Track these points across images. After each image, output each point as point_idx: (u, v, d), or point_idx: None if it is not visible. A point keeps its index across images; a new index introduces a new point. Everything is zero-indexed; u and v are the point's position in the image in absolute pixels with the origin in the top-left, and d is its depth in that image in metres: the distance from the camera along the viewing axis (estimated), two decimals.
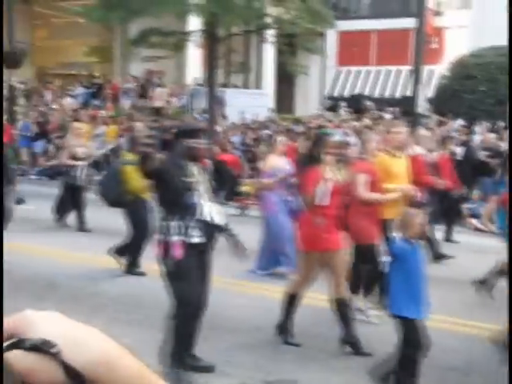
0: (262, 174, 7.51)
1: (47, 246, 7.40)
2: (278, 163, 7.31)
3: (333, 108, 22.01)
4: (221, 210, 4.45)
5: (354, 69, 24.90)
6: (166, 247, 4.22)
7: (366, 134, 6.49)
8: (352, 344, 4.90)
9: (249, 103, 18.95)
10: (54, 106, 19.97)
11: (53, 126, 17.49)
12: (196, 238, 4.23)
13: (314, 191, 4.85)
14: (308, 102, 24.72)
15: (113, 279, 6.73)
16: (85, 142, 10.16)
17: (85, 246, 8.29)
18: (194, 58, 21.19)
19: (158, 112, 18.70)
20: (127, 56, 16.86)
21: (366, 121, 17.83)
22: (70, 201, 9.54)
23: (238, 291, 6.66)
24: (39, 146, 17.45)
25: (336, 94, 24.62)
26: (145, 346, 4.86)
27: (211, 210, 4.27)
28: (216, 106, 17.00)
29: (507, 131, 12.92)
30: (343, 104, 20.96)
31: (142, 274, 7.05)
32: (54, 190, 12.26)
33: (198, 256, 4.26)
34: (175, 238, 4.20)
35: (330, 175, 4.90)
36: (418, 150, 7.81)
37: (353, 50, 24.60)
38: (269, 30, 16.46)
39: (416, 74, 15.22)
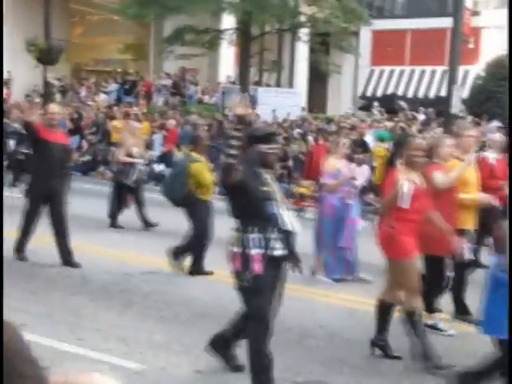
0: (324, 175, 7.36)
1: (80, 241, 7.49)
2: (339, 165, 7.20)
3: (365, 108, 21.85)
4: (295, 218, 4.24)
5: (387, 68, 24.67)
6: (244, 260, 3.96)
7: (439, 139, 6.22)
8: (425, 356, 4.65)
9: (281, 102, 18.92)
10: (88, 103, 20.22)
11: (86, 122, 17.70)
12: (278, 250, 3.99)
13: (394, 194, 4.60)
14: (340, 102, 24.58)
15: (144, 276, 6.78)
16: (140, 141, 10.05)
17: (117, 242, 8.38)
18: (227, 57, 21.23)
19: (240, 120, 18.70)
20: (161, 53, 16.96)
21: (398, 120, 17.65)
22: (119, 199, 9.46)
23: None
24: (73, 141, 17.69)
25: (369, 93, 24.43)
26: (175, 344, 4.89)
27: (290, 219, 4.06)
28: (249, 104, 17.02)
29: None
30: (376, 104, 20.79)
31: (207, 273, 6.99)
32: (86, 185, 12.45)
33: (276, 269, 4.04)
34: (255, 252, 3.94)
35: (411, 178, 4.64)
36: (488, 153, 7.60)
37: (387, 50, 24.37)
38: (302, 28, 16.43)
39: (451, 74, 15.00)
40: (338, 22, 14.69)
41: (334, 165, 7.23)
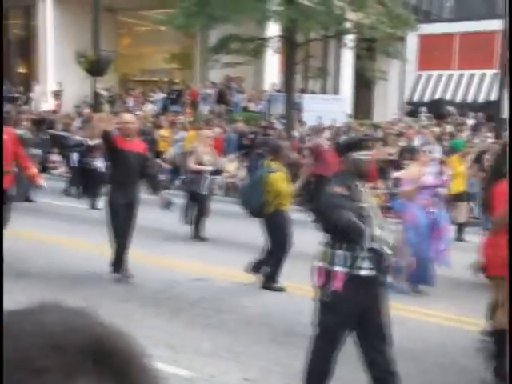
0: (402, 182, 7.25)
1: (132, 249, 7.61)
2: (419, 173, 7.04)
3: (412, 113, 21.57)
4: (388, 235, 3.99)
5: (434, 73, 24.31)
6: (327, 276, 3.84)
7: None
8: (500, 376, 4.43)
9: (326, 108, 18.86)
10: (136, 112, 20.56)
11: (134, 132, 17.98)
12: (365, 270, 3.80)
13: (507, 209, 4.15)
14: (386, 108, 24.34)
15: (192, 283, 6.84)
16: (210, 150, 9.84)
17: (166, 249, 8.47)
18: (272, 64, 21.30)
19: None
20: (206, 62, 17.15)
21: (448, 127, 17.37)
22: (194, 209, 9.32)
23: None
24: None
25: (416, 99, 24.12)
26: (223, 351, 4.91)
27: (384, 238, 3.84)
28: (293, 112, 17.02)
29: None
30: (423, 109, 20.50)
31: (280, 289, 6.78)
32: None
33: (364, 289, 3.84)
34: (339, 269, 3.81)
35: None
36: None
37: (434, 54, 24.03)
38: (348, 35, 16.36)
39: (501, 77, 14.69)
40: (384, 27, 14.56)
41: (412, 173, 7.06)
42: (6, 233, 6.80)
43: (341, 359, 4.07)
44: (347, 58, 23.01)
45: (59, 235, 8.88)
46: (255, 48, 16.49)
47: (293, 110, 16.86)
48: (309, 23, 14.39)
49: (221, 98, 21.50)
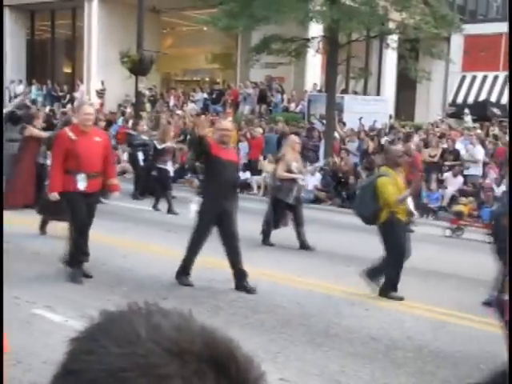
0: None
1: (173, 246, 7.71)
2: None
3: (456, 115, 21.23)
4: None
5: (480, 74, 23.86)
6: (500, 307, 3.62)
7: None
8: None
9: (368, 109, 18.74)
10: (177, 112, 20.80)
11: (175, 131, 18.20)
12: None
13: None
14: (429, 109, 24.02)
15: (230, 283, 6.89)
16: (299, 156, 9.41)
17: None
18: (314, 65, 21.25)
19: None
20: (248, 62, 17.22)
21: (492, 129, 17.05)
22: (276, 218, 9.10)
23: (355, 300, 6.61)
24: None
25: (460, 100, 23.71)
26: (261, 351, 4.95)
27: None
28: (334, 112, 16.96)
29: None
30: (467, 111, 20.16)
31: (400, 299, 6.54)
32: (178, 193, 12.75)
33: None
34: (506, 297, 3.56)
35: None
36: None
37: (479, 55, 23.58)
38: (391, 35, 16.21)
39: None
40: (429, 28, 14.37)
41: None
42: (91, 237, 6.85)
43: None
44: (390, 59, 22.78)
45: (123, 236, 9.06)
46: (297, 48, 16.48)
47: (334, 110, 16.79)
48: (351, 23, 14.31)
49: (261, 98, 21.57)
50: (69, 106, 21.89)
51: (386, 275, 6.67)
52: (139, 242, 8.09)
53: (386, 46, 16.60)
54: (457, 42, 23.18)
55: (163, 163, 12.06)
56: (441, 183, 14.12)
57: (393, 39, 16.39)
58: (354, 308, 6.34)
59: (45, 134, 10.46)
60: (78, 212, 6.54)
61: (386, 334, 5.48)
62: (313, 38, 16.37)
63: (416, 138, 15.20)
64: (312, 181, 15.01)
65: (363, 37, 17.47)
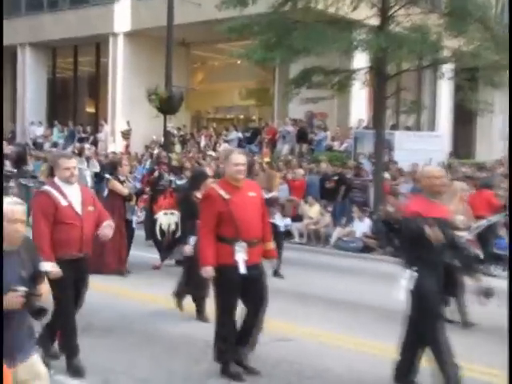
0: None
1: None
2: None
3: None
4: None
5: None
6: None
7: None
8: None
9: (421, 146, 18.62)
10: (209, 153, 20.96)
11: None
12: None
13: None
14: (491, 145, 23.75)
15: (274, 344, 6.76)
16: (465, 207, 8.33)
17: None
18: (359, 98, 21.32)
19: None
20: (286, 97, 17.34)
21: None
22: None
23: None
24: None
25: None
26: None
27: None
28: (384, 150, 16.88)
29: None
30: None
31: None
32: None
33: None
34: None
35: None
36: None
37: None
38: (446, 64, 16.17)
39: None
40: (489, 54, 14.28)
41: None
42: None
43: None
44: (445, 90, 22.72)
45: None
46: (340, 81, 16.54)
47: (383, 148, 16.71)
48: (401, 52, 14.32)
49: (302, 136, 21.65)
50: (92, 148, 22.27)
51: None
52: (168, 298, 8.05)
53: (441, 75, 16.54)
54: None
55: (271, 216, 10.72)
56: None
57: (448, 68, 16.33)
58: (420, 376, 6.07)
59: (126, 191, 10.39)
60: (232, 291, 5.73)
61: None
62: (358, 69, 16.44)
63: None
64: (361, 227, 14.86)
65: (414, 67, 17.47)
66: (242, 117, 28.29)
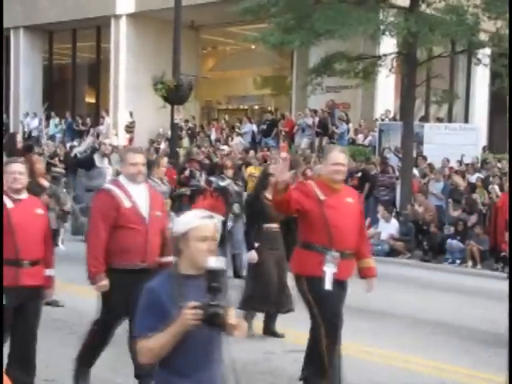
0: None
1: None
2: None
3: None
4: None
5: None
6: None
7: None
8: None
9: (454, 140, 18.56)
10: (221, 147, 20.94)
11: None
12: None
13: None
14: None
15: (288, 355, 6.76)
16: None
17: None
18: (386, 87, 21.25)
19: None
20: (306, 86, 17.30)
21: None
22: None
23: (446, 380, 6.39)
24: None
25: None
26: None
27: None
28: (412, 144, 16.83)
29: None
30: None
31: None
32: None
33: None
34: None
35: None
36: None
37: None
38: (483, 49, 16.08)
39: None
40: None
41: None
42: None
43: None
44: (481, 78, 22.58)
45: None
46: (365, 68, 16.50)
47: (412, 142, 16.66)
48: (433, 36, 14.26)
49: (322, 129, 21.62)
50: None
51: None
52: None
53: (477, 62, 16.45)
54: None
55: None
56: None
57: (485, 54, 16.24)
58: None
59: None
60: (333, 305, 5.48)
61: None
62: (385, 55, 16.39)
63: None
64: (387, 228, 14.83)
65: (447, 52, 17.39)
66: (256, 107, 28.29)
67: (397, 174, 16.79)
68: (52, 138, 25.50)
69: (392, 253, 14.52)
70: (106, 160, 12.25)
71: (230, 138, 23.30)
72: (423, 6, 15.27)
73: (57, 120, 26.88)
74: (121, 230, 5.24)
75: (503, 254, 12.42)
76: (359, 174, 16.50)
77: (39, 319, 5.27)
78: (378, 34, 14.93)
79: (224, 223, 10.29)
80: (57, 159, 18.85)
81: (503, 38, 14.91)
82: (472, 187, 15.50)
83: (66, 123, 26.56)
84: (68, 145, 23.13)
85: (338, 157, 5.48)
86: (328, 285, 5.32)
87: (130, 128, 24.73)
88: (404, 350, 7.18)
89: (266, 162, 18.08)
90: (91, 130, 24.74)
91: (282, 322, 8.02)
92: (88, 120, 26.36)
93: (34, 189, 6.72)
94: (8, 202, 5.10)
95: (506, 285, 6.22)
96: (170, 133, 20.50)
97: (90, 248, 5.16)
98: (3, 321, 3.90)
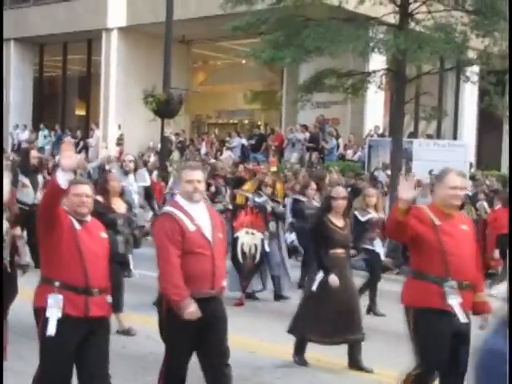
0: None
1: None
2: None
3: None
4: None
5: None
6: None
7: None
8: None
9: (442, 156, 18.60)
10: (210, 161, 20.96)
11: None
12: None
13: None
14: None
15: (277, 370, 6.75)
16: None
17: (246, 327, 8.44)
18: (375, 104, 21.38)
19: None
20: (295, 102, 17.37)
21: None
22: None
23: None
24: None
25: None
26: None
27: None
28: (402, 160, 16.89)
29: None
30: None
31: None
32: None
33: None
34: None
35: None
36: None
37: None
38: (471, 66, 16.20)
39: None
40: None
41: None
42: None
43: None
44: (469, 95, 22.75)
45: None
46: (354, 84, 16.59)
47: (401, 158, 16.73)
48: (422, 53, 14.37)
49: (312, 144, 21.68)
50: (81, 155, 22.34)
51: None
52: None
53: (466, 79, 16.57)
54: None
55: (369, 243, 10.15)
56: None
57: (473, 71, 16.36)
58: None
59: None
60: (441, 343, 4.99)
61: None
62: (374, 71, 16.49)
63: None
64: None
65: (436, 69, 17.51)
66: (246, 122, 28.36)
67: (386, 189, 16.83)
68: (41, 150, 25.42)
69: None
70: (130, 176, 11.33)
71: (219, 152, 23.35)
72: (412, 24, 15.39)
73: (46, 132, 26.85)
74: (187, 256, 4.88)
75: (491, 271, 12.47)
76: (348, 190, 16.50)
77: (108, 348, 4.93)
78: (367, 50, 15.03)
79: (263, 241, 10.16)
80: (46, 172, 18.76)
81: (491, 56, 15.05)
82: (460, 204, 15.52)
83: (55, 136, 26.51)
84: (57, 158, 23.05)
85: (456, 180, 5.23)
86: (463, 317, 4.95)
87: (120, 141, 24.73)
88: (394, 367, 7.13)
89: (255, 175, 18.11)
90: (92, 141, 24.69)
91: (273, 337, 8.02)
92: (78, 133, 26.32)
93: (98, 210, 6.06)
94: (76, 224, 4.74)
95: (495, 301, 6.28)
96: (159, 146, 20.55)
97: (166, 276, 4.80)
98: (4, 324, 3.81)
